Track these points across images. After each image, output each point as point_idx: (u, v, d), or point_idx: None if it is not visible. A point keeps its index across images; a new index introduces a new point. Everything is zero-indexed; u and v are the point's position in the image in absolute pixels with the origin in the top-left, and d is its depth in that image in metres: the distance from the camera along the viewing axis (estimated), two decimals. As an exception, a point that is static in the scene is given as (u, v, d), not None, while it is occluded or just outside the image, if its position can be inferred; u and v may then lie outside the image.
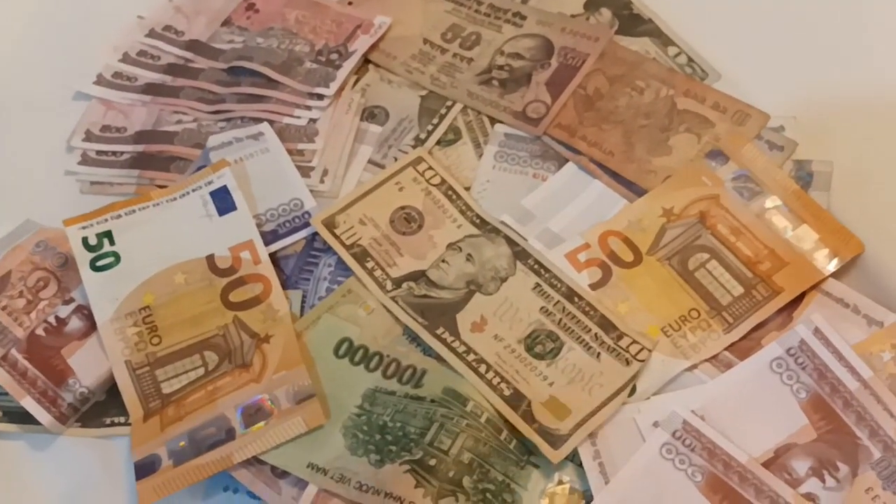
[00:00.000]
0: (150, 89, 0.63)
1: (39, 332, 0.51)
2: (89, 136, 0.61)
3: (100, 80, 0.63)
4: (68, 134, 0.61)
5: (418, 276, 0.53)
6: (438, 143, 0.60)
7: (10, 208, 0.57)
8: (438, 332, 0.50)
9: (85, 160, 0.60)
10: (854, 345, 0.48)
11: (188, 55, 0.65)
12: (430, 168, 0.57)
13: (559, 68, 0.61)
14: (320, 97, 0.60)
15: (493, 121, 0.60)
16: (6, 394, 0.49)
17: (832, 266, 0.51)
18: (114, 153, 0.60)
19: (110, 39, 0.65)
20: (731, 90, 0.58)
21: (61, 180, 0.60)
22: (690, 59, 0.62)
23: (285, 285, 0.53)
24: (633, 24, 0.64)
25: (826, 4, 0.62)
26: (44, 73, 0.64)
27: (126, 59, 0.65)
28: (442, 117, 0.61)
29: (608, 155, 0.57)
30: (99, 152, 0.60)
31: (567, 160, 0.58)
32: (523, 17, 0.64)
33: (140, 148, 0.60)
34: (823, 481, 0.45)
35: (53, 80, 0.63)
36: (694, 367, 0.49)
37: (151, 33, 0.66)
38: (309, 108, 0.60)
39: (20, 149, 0.61)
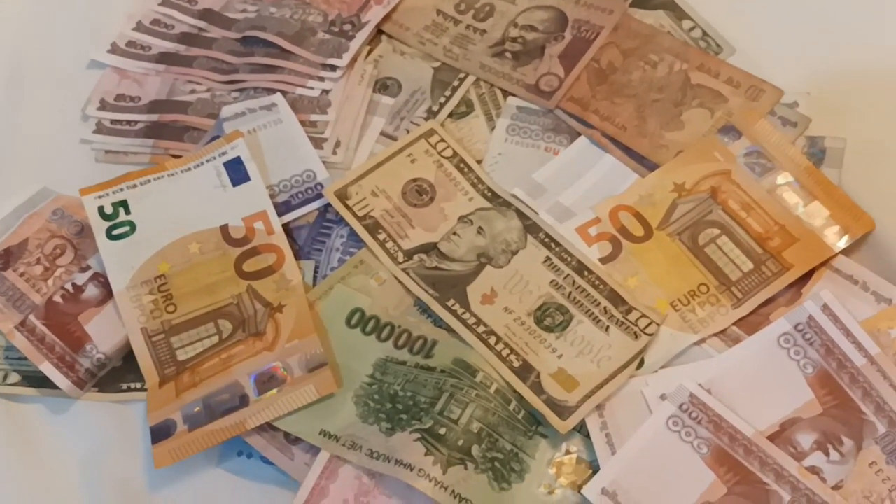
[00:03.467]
0: (164, 58, 0.63)
1: (57, 298, 0.52)
2: (104, 105, 0.61)
3: (114, 49, 0.63)
4: (83, 102, 0.61)
5: (429, 248, 0.53)
6: (451, 115, 0.60)
7: (26, 176, 0.58)
8: (449, 303, 0.51)
9: (100, 129, 0.60)
10: (862, 321, 0.48)
11: (201, 24, 0.65)
12: (443, 140, 0.57)
13: (573, 41, 0.61)
14: (333, 68, 0.60)
15: (505, 93, 0.60)
16: (25, 358, 0.50)
17: (842, 243, 0.51)
18: (128, 122, 0.61)
19: (124, 8, 0.65)
20: (746, 65, 0.58)
21: (76, 148, 0.60)
22: (705, 33, 0.61)
23: (298, 256, 0.54)
24: (647, -4, 0.64)
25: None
26: (58, 42, 0.64)
27: (140, 27, 0.65)
28: (454, 89, 0.61)
29: (620, 129, 0.57)
30: (113, 121, 0.61)
31: (579, 134, 0.58)
32: (537, -11, 0.64)
33: (154, 117, 0.60)
34: (828, 455, 0.46)
35: (68, 49, 0.64)
36: (702, 341, 0.50)
37: (165, 2, 0.66)
38: (322, 79, 0.60)
39: (35, 117, 0.62)
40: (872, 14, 0.59)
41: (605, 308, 0.50)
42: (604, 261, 0.52)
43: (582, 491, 0.45)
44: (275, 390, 0.48)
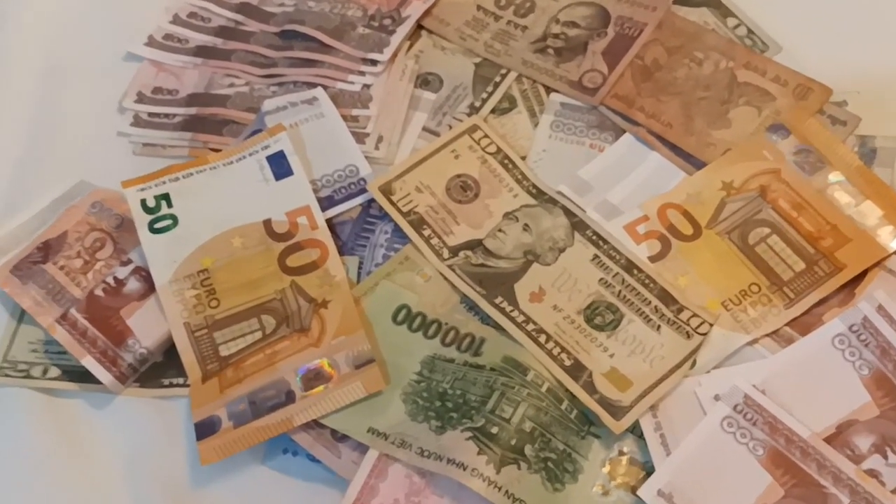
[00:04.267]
0: (202, 52, 0.62)
1: (98, 292, 0.51)
2: (141, 98, 0.60)
3: (151, 42, 0.63)
4: (120, 95, 0.61)
5: (475, 244, 0.53)
6: (493, 111, 0.59)
7: (63, 169, 0.57)
8: (497, 301, 0.50)
9: (137, 122, 0.60)
10: (918, 322, 0.48)
11: (239, 17, 0.64)
12: (486, 136, 0.57)
13: (616, 38, 0.60)
14: (374, 63, 0.60)
15: (548, 90, 0.59)
16: (66, 353, 0.50)
17: (896, 243, 0.51)
18: (166, 115, 0.60)
19: (161, 1, 0.65)
20: (793, 63, 0.57)
21: (114, 141, 0.59)
22: (750, 31, 0.61)
23: (342, 251, 0.53)
24: (691, -7, 0.63)
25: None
26: (95, 34, 0.64)
27: (177, 20, 0.64)
28: (496, 85, 0.60)
29: (666, 127, 0.57)
30: (151, 114, 0.60)
31: (624, 131, 0.57)
32: (578, -15, 0.63)
33: (192, 111, 0.60)
34: (886, 458, 0.45)
35: (105, 41, 0.63)
36: (754, 341, 0.49)
37: (201, -5, 0.65)
38: (363, 73, 0.60)
39: (73, 109, 0.61)
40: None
41: (655, 307, 0.50)
42: (653, 259, 0.52)
43: (638, 493, 0.45)
44: (321, 387, 0.47)
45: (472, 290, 0.51)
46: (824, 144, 0.54)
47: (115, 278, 0.52)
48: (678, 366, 0.48)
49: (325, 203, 0.54)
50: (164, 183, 0.53)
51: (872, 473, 0.45)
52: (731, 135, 0.56)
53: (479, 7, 0.63)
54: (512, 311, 0.50)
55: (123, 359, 0.50)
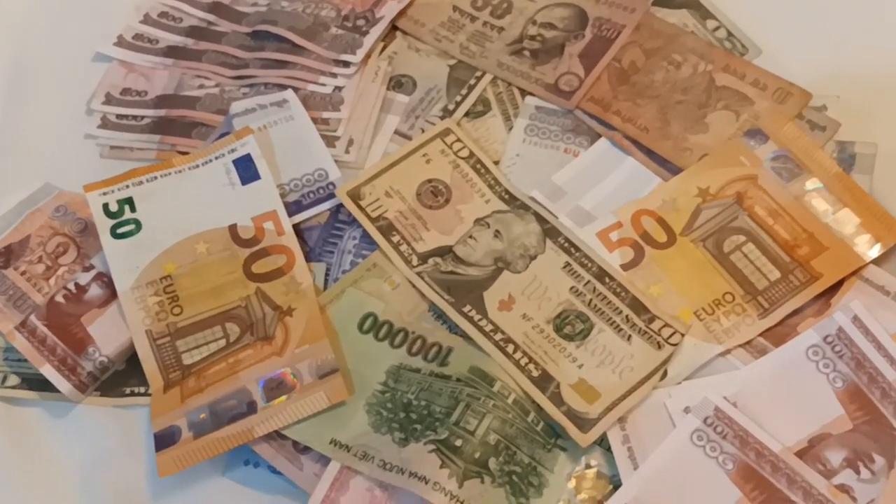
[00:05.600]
0: (172, 52, 0.61)
1: (59, 298, 0.50)
2: (109, 100, 0.60)
3: (120, 42, 0.62)
4: (88, 96, 0.60)
5: (445, 251, 0.52)
6: (467, 114, 0.58)
7: (28, 171, 0.56)
8: (465, 309, 0.49)
9: (105, 124, 0.59)
10: (894, 334, 0.47)
11: (211, 17, 0.63)
12: (459, 140, 0.56)
13: (593, 40, 0.59)
14: (346, 64, 0.59)
15: (523, 93, 0.58)
16: (25, 360, 0.49)
17: (874, 252, 0.50)
18: (134, 117, 0.59)
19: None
20: (772, 66, 0.56)
21: (81, 144, 0.58)
22: (730, 34, 0.60)
23: (308, 257, 0.52)
24: (670, -5, 0.62)
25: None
26: (63, 34, 0.63)
27: (147, 20, 0.63)
28: (471, 88, 0.59)
29: (643, 131, 0.55)
30: (119, 116, 0.59)
31: (600, 135, 0.56)
32: (557, -14, 0.62)
33: (161, 112, 0.59)
34: (858, 473, 0.44)
35: (73, 41, 0.62)
36: (727, 352, 0.48)
37: (173, -6, 0.64)
38: (334, 75, 0.59)
39: (39, 110, 0.60)
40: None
41: (626, 316, 0.49)
42: (625, 267, 0.51)
43: (603, 507, 0.44)
44: (284, 397, 0.47)
45: (440, 299, 0.50)
46: (803, 150, 0.53)
47: (77, 284, 0.51)
48: (648, 377, 0.47)
49: (293, 208, 0.53)
50: (127, 187, 0.53)
51: (843, 489, 0.44)
52: (709, 139, 0.55)
53: (455, 8, 0.62)
54: (480, 319, 0.49)
55: (83, 367, 0.49)
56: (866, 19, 0.58)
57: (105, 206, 0.52)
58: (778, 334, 0.48)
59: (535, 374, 0.47)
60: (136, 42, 0.62)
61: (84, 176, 0.54)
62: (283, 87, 0.58)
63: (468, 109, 0.58)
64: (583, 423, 0.45)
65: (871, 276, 0.49)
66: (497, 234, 0.52)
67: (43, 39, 0.63)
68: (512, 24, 0.61)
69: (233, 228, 0.52)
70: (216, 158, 0.54)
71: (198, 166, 0.54)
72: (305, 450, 0.46)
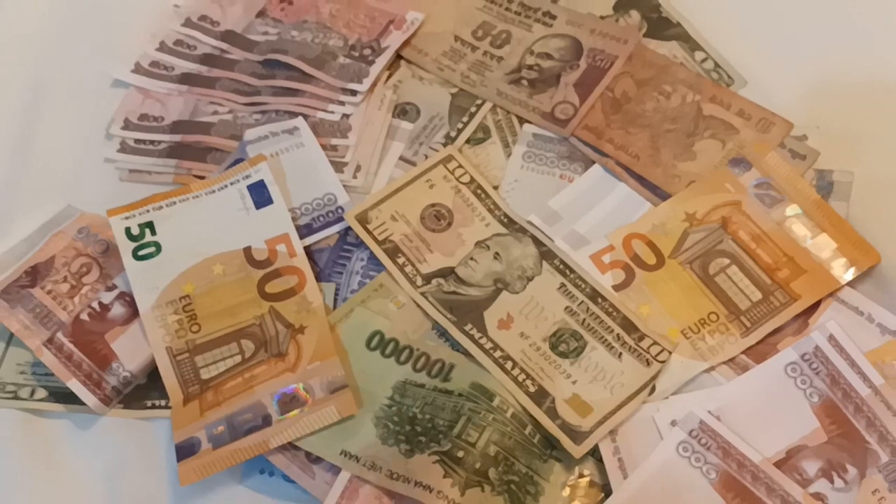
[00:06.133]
0: (187, 79, 0.64)
1: (84, 316, 0.53)
2: (127, 125, 0.62)
3: (137, 69, 0.65)
4: (107, 121, 0.62)
5: (447, 272, 0.55)
6: (468, 141, 0.61)
7: (49, 194, 0.59)
8: (466, 328, 0.52)
9: (124, 148, 0.62)
10: (867, 352, 0.50)
11: (223, 45, 0.66)
12: (460, 166, 0.59)
13: (588, 69, 0.62)
14: (353, 93, 0.62)
15: (521, 120, 0.61)
16: (52, 375, 0.52)
17: (849, 275, 0.53)
18: (152, 142, 0.62)
19: (147, 27, 0.66)
20: (757, 97, 0.60)
21: (101, 167, 0.61)
22: (717, 65, 0.63)
23: (319, 278, 0.55)
24: (661, 27, 0.65)
25: (854, 16, 0.63)
26: (81, 61, 0.65)
27: (163, 48, 0.66)
28: (472, 116, 0.62)
29: (634, 158, 0.59)
30: (137, 141, 0.62)
31: (594, 162, 0.59)
32: (553, 17, 0.65)
33: (177, 138, 0.62)
34: (832, 482, 0.47)
35: (90, 68, 0.64)
36: (712, 368, 0.51)
37: (187, 23, 0.67)
38: (342, 103, 0.62)
39: (59, 135, 0.63)
40: (884, 49, 0.61)
41: (618, 335, 0.52)
42: (617, 288, 0.54)
43: (595, 515, 0.47)
44: (297, 411, 0.50)
45: (442, 318, 0.53)
46: (784, 178, 0.56)
47: (100, 303, 0.54)
48: (637, 392, 0.50)
49: (304, 231, 0.56)
50: (147, 211, 0.55)
51: (819, 497, 0.47)
52: (696, 167, 0.58)
53: (456, 38, 0.66)
54: (480, 338, 0.52)
55: (108, 381, 0.52)
56: (846, 54, 0.61)
57: (127, 229, 0.55)
58: (759, 352, 0.52)
59: (532, 389, 0.50)
60: (153, 69, 0.65)
61: (104, 198, 0.57)
62: (293, 114, 0.61)
63: (469, 136, 0.61)
64: (576, 436, 0.48)
65: (847, 297, 0.53)
66: (496, 256, 0.55)
67: (61, 66, 0.65)
68: (511, 54, 0.64)
69: (247, 251, 0.55)
70: (231, 184, 0.57)
71: (214, 191, 0.57)
72: (317, 460, 0.49)
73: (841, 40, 0.62)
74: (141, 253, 0.54)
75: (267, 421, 0.49)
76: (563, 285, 0.54)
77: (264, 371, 0.51)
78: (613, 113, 0.61)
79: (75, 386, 0.51)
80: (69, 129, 0.63)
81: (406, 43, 0.65)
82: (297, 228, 0.56)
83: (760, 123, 0.59)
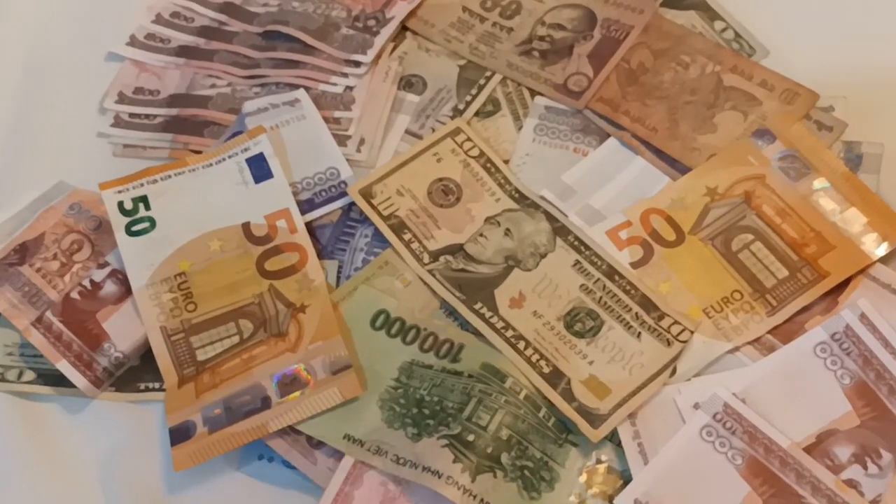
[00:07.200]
0: (184, 52, 0.62)
1: (74, 295, 0.51)
2: (122, 98, 0.60)
3: (133, 42, 0.62)
4: (101, 95, 0.60)
5: (456, 249, 0.52)
6: (477, 114, 0.58)
7: (42, 169, 0.57)
8: (476, 306, 0.50)
9: (118, 122, 0.59)
10: (901, 331, 0.47)
11: (222, 17, 0.63)
12: (469, 139, 0.56)
13: (602, 40, 0.60)
14: (357, 64, 0.59)
15: (533, 93, 0.59)
16: (40, 356, 0.49)
17: (881, 251, 0.50)
18: (147, 116, 0.59)
19: (143, 0, 0.64)
20: (780, 67, 0.57)
21: (94, 142, 0.59)
22: (738, 35, 0.60)
23: (321, 255, 0.53)
24: (678, -4, 0.62)
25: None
26: (76, 34, 0.63)
27: (159, 20, 0.63)
28: (481, 88, 0.59)
29: (651, 131, 0.56)
30: (132, 115, 0.59)
31: (609, 135, 0.57)
32: (565, -13, 0.63)
33: (173, 111, 0.59)
34: (866, 468, 0.45)
35: (86, 41, 0.63)
36: (736, 349, 0.49)
37: (185, -6, 0.64)
38: (345, 75, 0.59)
39: (52, 110, 0.61)
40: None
41: (636, 314, 0.49)
42: (635, 265, 0.51)
43: (614, 502, 0.44)
44: (297, 393, 0.47)
45: (451, 296, 0.50)
46: (810, 150, 0.54)
47: (92, 281, 0.51)
48: (658, 374, 0.47)
49: (305, 206, 0.54)
50: (142, 185, 0.53)
51: (851, 483, 0.44)
52: (717, 140, 0.55)
53: (464, 9, 0.63)
54: (491, 316, 0.49)
55: (99, 363, 0.49)
56: (874, 20, 0.59)
57: (120, 203, 0.52)
58: (786, 331, 0.49)
59: (547, 370, 0.47)
60: (149, 42, 0.63)
61: (97, 174, 0.54)
62: (294, 86, 0.59)
63: (478, 109, 0.58)
64: (593, 419, 0.46)
65: (879, 274, 0.50)
66: (507, 232, 0.53)
67: (56, 39, 0.63)
68: (521, 25, 0.62)
69: (246, 226, 0.52)
70: (230, 157, 0.54)
71: (211, 165, 0.54)
72: (319, 444, 0.47)
73: (867, 7, 0.59)
74: (134, 228, 0.52)
75: (266, 403, 0.47)
76: (577, 262, 0.51)
77: (264, 351, 0.49)
78: (629, 84, 0.58)
79: (65, 367, 0.49)
80: (62, 104, 0.61)
81: (412, 14, 0.62)
82: (299, 203, 0.53)
83: (784, 94, 0.56)
